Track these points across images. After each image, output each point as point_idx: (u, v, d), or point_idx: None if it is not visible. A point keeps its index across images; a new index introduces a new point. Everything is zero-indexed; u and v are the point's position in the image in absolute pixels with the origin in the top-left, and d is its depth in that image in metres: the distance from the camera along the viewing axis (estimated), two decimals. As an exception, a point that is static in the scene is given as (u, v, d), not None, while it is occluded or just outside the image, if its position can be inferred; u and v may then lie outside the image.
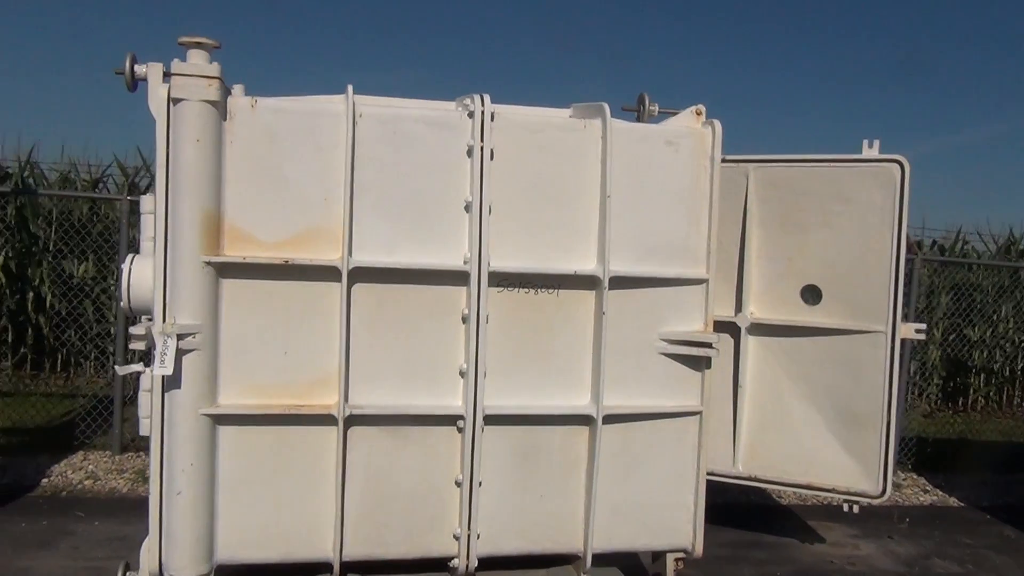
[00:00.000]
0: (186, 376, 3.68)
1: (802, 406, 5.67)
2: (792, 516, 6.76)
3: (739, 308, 5.73)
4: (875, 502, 5.47)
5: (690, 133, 4.17)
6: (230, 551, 3.86)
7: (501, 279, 3.99)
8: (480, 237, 3.89)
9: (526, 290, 4.03)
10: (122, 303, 3.92)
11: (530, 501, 4.10)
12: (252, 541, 3.88)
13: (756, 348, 5.78)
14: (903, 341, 5.44)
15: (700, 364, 4.21)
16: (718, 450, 5.81)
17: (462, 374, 3.96)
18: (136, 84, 3.73)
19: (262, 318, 3.81)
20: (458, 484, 3.99)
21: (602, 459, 4.13)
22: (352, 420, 3.89)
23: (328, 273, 3.79)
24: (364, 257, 3.85)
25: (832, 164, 5.47)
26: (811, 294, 5.64)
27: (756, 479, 5.76)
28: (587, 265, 4.03)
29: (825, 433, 5.61)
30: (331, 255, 3.80)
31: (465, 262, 3.91)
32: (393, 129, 3.88)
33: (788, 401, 5.71)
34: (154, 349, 3.61)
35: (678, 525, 4.26)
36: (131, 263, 3.90)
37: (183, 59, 3.64)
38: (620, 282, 4.08)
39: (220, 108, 3.69)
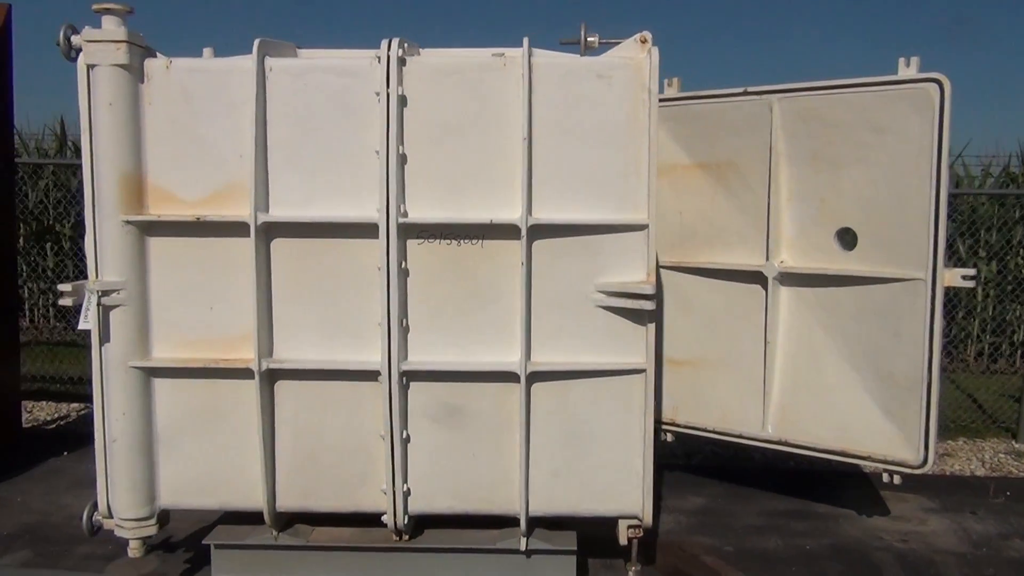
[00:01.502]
0: (114, 330, 3.87)
1: (838, 364, 5.07)
2: (865, 485, 6.08)
3: (769, 255, 5.19)
4: (915, 472, 4.80)
5: (625, 64, 3.79)
6: (172, 497, 4.05)
7: (421, 230, 3.86)
8: (388, 187, 3.76)
9: (448, 242, 3.87)
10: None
11: (462, 460, 3.98)
12: (191, 489, 4.04)
13: (788, 300, 5.22)
14: (951, 289, 4.71)
15: (643, 318, 3.86)
16: (747, 412, 5.35)
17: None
18: (77, 53, 3.90)
19: (188, 274, 3.92)
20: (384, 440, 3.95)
21: (537, 419, 3.92)
22: (277, 375, 3.94)
23: (243, 229, 3.82)
24: (279, 212, 3.86)
25: (863, 89, 4.77)
26: (847, 238, 5.00)
27: (786, 443, 5.23)
28: (510, 214, 3.80)
29: (862, 394, 4.98)
30: (247, 211, 3.82)
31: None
32: (304, 82, 3.82)
33: (823, 358, 5.13)
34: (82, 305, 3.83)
35: (625, 490, 3.96)
36: None
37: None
38: (547, 230, 3.82)
39: (134, 71, 3.80)
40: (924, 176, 4.59)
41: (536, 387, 3.90)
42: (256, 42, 3.79)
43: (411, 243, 3.86)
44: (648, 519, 3.97)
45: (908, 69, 4.63)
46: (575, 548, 4.06)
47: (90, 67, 3.76)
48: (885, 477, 4.92)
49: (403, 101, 3.79)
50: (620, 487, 3.97)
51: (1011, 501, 5.86)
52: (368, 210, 3.82)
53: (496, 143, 3.81)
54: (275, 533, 4.09)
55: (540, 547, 4.05)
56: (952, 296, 9.89)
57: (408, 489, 3.97)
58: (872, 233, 4.87)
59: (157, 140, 3.86)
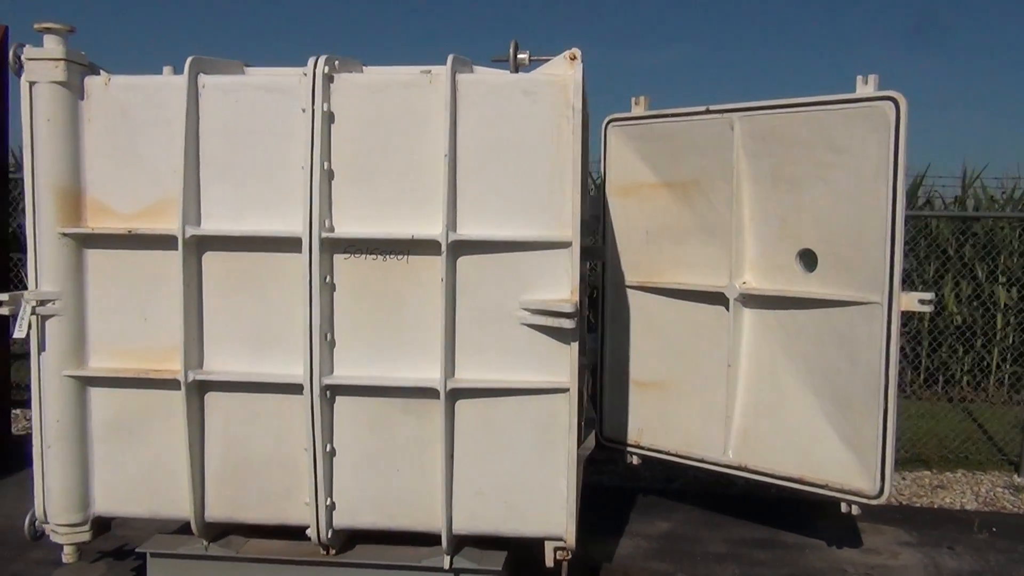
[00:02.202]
0: (49, 339, 3.96)
1: (798, 389, 4.94)
2: (844, 516, 5.87)
3: (732, 276, 5.09)
4: (872, 503, 4.64)
5: (550, 81, 3.77)
6: (105, 504, 4.12)
7: (347, 245, 3.88)
8: (311, 202, 3.80)
9: (374, 256, 3.89)
10: None
11: (386, 475, 3.97)
12: (124, 497, 4.10)
13: (750, 322, 5.11)
14: (907, 314, 4.56)
15: (567, 336, 3.81)
16: (709, 436, 5.24)
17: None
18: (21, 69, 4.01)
19: (122, 286, 4.00)
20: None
21: (461, 436, 3.90)
22: (207, 386, 3.99)
23: (174, 242, 3.88)
24: (210, 226, 3.92)
25: (821, 107, 4.67)
26: (808, 259, 4.89)
27: (746, 469, 5.10)
28: (433, 229, 3.80)
29: (821, 421, 4.84)
30: (177, 224, 3.89)
31: (307, 229, 3.84)
32: (235, 98, 3.89)
33: (784, 383, 5.00)
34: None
35: (550, 512, 3.91)
36: None
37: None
38: (470, 246, 3.81)
39: (74, 88, 3.91)
40: (881, 197, 4.47)
41: (460, 404, 3.88)
42: (188, 60, 3.86)
43: (338, 258, 3.89)
44: (571, 541, 3.91)
45: (866, 87, 4.52)
46: (499, 568, 4.00)
47: (32, 84, 3.88)
48: (844, 507, 4.77)
49: (330, 117, 3.83)
50: (544, 508, 3.91)
51: (995, 537, 5.62)
52: (296, 225, 3.85)
53: (422, 159, 3.82)
54: (205, 544, 4.12)
55: (466, 566, 4.01)
56: (972, 324, 9.61)
57: (332, 503, 3.97)
58: (831, 255, 4.76)
59: (96, 155, 3.96)
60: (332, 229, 3.85)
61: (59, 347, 3.97)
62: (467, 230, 3.81)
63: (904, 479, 6.87)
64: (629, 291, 5.57)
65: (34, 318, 3.92)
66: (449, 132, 3.74)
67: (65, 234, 3.92)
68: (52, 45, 3.88)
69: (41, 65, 3.85)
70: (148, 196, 3.95)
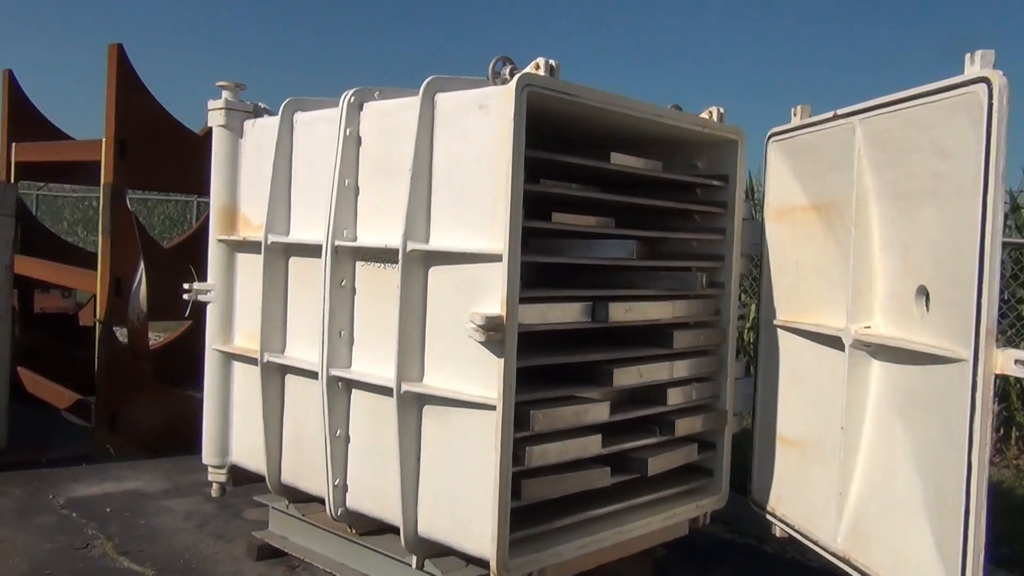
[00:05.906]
0: (208, 321, 5.20)
1: (908, 467, 3.74)
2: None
3: (850, 318, 4.11)
4: (950, 636, 3.30)
5: (500, 94, 3.73)
6: (236, 456, 5.18)
7: (363, 254, 4.35)
8: (331, 215, 4.34)
9: (378, 264, 4.28)
10: None
11: (379, 467, 4.26)
12: (245, 452, 5.12)
13: (876, 376, 4.04)
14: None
15: (495, 350, 3.70)
16: (828, 512, 4.27)
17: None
18: None
19: (252, 282, 5.03)
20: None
21: (426, 440, 4.04)
22: (285, 369, 4.79)
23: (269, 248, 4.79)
24: (291, 235, 4.74)
25: (923, 101, 3.56)
26: (925, 298, 3.73)
27: (848, 562, 4.00)
28: (399, 241, 4.03)
29: (920, 513, 3.60)
30: (274, 235, 4.79)
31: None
32: (310, 130, 4.67)
33: (897, 457, 3.83)
34: (192, 301, 5.25)
35: (481, 530, 3.78)
36: None
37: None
38: (433, 257, 3.99)
39: (235, 129, 5.11)
40: (975, 213, 3.28)
41: (426, 409, 4.02)
42: (285, 102, 4.75)
43: (358, 265, 4.37)
44: (495, 566, 3.71)
45: (973, 67, 3.38)
46: (452, 581, 4.00)
47: (210, 128, 5.19)
48: (932, 635, 3.50)
49: (357, 141, 4.34)
50: (478, 525, 3.80)
51: None
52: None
53: (409, 175, 4.09)
54: (286, 503, 4.92)
55: (432, 571, 4.11)
56: None
57: (345, 485, 4.41)
58: (939, 293, 3.60)
59: (244, 180, 5.09)
60: (355, 239, 4.35)
61: (214, 327, 5.18)
62: (437, 242, 3.97)
63: None
64: (778, 331, 4.80)
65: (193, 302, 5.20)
66: (417, 149, 3.95)
67: (220, 240, 5.13)
68: (223, 97, 5.13)
69: (214, 113, 5.13)
70: (266, 212, 4.93)
